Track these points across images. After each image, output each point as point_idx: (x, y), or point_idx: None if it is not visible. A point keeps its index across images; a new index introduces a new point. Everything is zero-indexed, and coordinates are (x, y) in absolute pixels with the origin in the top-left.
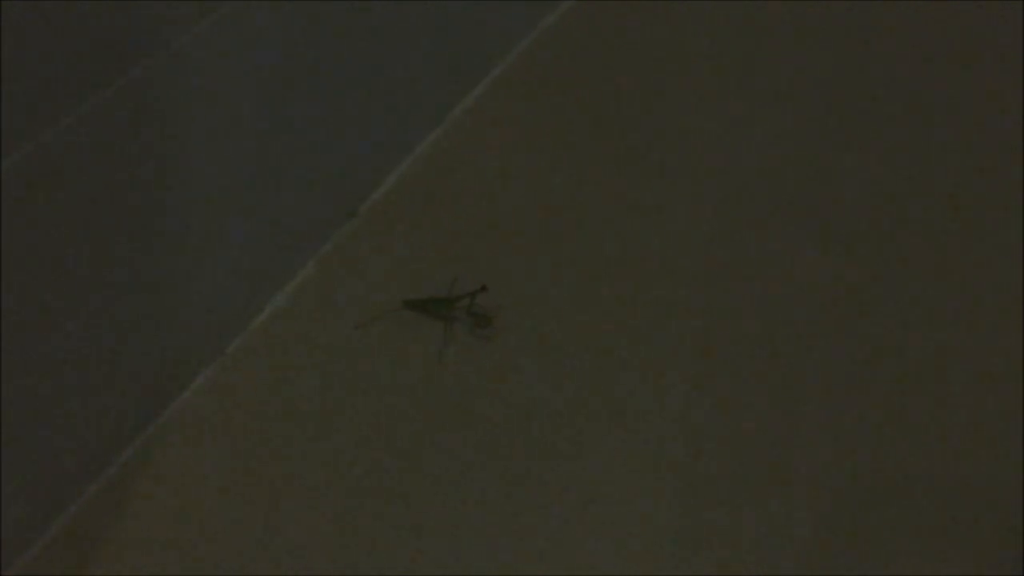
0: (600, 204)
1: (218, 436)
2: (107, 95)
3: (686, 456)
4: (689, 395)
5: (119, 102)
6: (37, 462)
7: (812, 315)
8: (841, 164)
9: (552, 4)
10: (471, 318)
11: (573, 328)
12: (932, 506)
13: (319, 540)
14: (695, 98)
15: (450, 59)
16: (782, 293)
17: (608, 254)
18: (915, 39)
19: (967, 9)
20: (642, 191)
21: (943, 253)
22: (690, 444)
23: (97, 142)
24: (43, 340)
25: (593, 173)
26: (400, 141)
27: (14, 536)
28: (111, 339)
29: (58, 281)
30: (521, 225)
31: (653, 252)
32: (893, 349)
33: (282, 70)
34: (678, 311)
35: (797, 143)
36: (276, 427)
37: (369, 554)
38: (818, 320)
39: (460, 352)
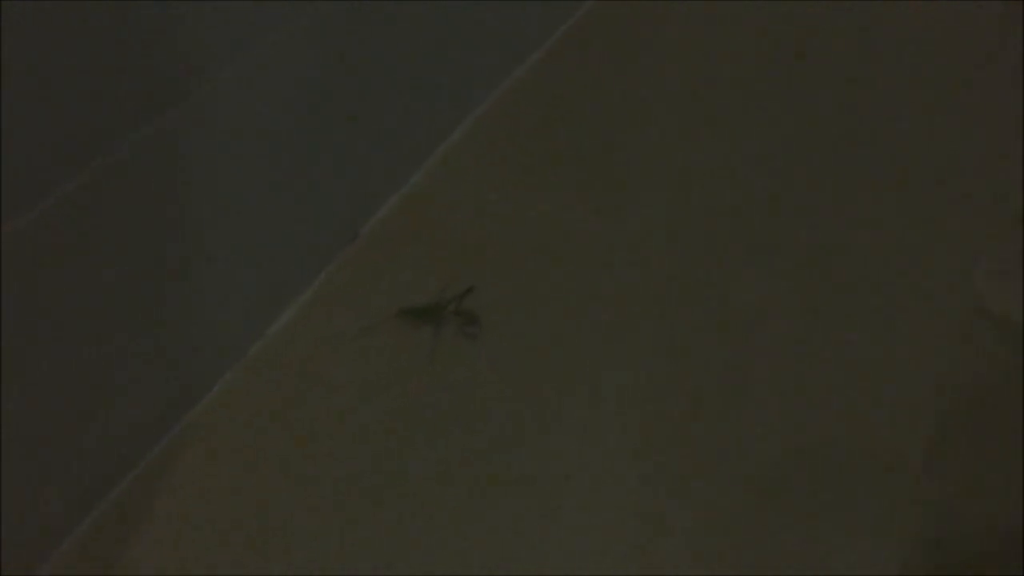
0: (577, 223)
1: (238, 432)
2: (143, 134)
3: (647, 440)
4: (650, 387)
5: (153, 142)
6: (74, 458)
7: (760, 317)
8: (795, 198)
9: (535, 45)
10: (459, 318)
11: (550, 327)
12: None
13: (328, 527)
14: (664, 134)
15: (441, 97)
16: (737, 299)
17: (584, 265)
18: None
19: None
20: (610, 210)
21: (881, 277)
22: (652, 429)
23: (136, 173)
24: (85, 344)
25: (570, 197)
26: (396, 171)
27: (55, 524)
28: (146, 345)
29: (99, 294)
30: (506, 243)
31: (624, 262)
32: (830, 345)
33: (292, 112)
34: (642, 312)
35: (753, 175)
36: (288, 423)
37: (373, 539)
38: (765, 323)
39: (450, 350)
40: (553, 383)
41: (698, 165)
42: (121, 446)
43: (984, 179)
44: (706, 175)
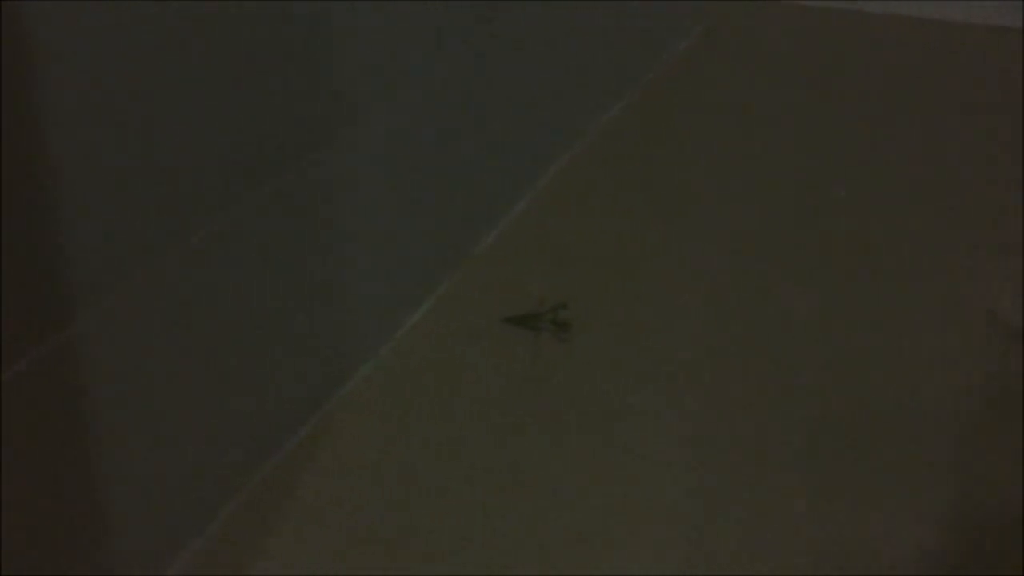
0: (655, 245)
1: (373, 418)
2: (303, 165)
3: (710, 429)
4: (714, 381)
5: (309, 172)
6: (229, 435)
7: (805, 322)
8: (830, 221)
9: (623, 96)
10: (554, 327)
11: (631, 333)
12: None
13: (452, 509)
14: (722, 173)
15: (545, 137)
16: (786, 306)
17: (660, 280)
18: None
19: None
20: (681, 233)
21: (903, 290)
22: (714, 419)
23: (296, 198)
24: (241, 338)
25: (651, 223)
26: (505, 200)
27: (208, 498)
28: (297, 342)
29: (257, 296)
30: (596, 261)
31: (692, 276)
32: (858, 351)
33: (422, 148)
34: (707, 319)
35: (801, 205)
36: (413, 410)
37: (485, 516)
38: (809, 326)
39: (545, 354)
40: (633, 381)
41: (756, 198)
42: (259, 438)
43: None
44: (762, 205)
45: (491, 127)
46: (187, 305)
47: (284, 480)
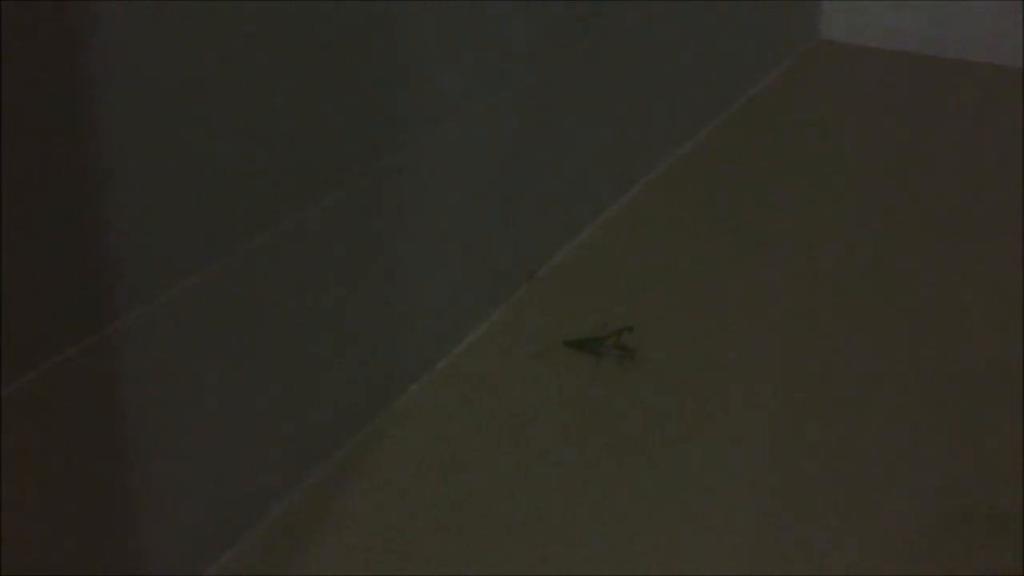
0: (722, 276)
1: (427, 432)
2: (372, 173)
3: (791, 471)
4: (792, 419)
5: (375, 182)
6: (289, 438)
7: (871, 361)
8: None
9: (697, 129)
10: (618, 351)
11: (695, 362)
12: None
13: (500, 535)
14: (800, 209)
15: (615, 165)
16: (847, 336)
17: (726, 310)
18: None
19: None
20: (749, 265)
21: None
22: (795, 462)
23: (361, 205)
24: (297, 343)
25: (719, 254)
26: (572, 225)
27: (261, 499)
28: (354, 351)
29: (315, 306)
30: (662, 289)
31: (757, 307)
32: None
33: (489, 167)
34: (770, 349)
35: (863, 239)
36: (468, 428)
37: (535, 547)
38: (870, 353)
39: (606, 379)
40: (693, 414)
41: (833, 233)
42: (301, 451)
43: None
44: (825, 237)
45: (567, 147)
46: (242, 308)
47: (324, 496)
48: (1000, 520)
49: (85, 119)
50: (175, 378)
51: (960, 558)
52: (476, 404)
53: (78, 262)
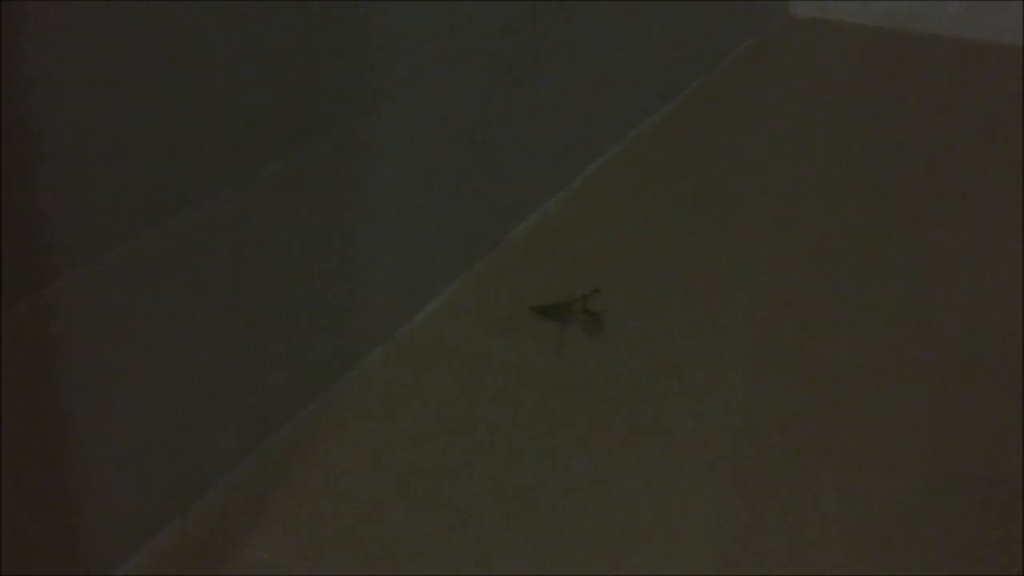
0: (692, 246)
1: (378, 404)
2: (334, 138)
3: (761, 436)
4: (749, 383)
5: (335, 147)
6: (244, 403)
7: (845, 324)
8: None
9: (666, 99)
10: (584, 316)
11: (664, 330)
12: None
13: (455, 505)
14: (763, 181)
15: (582, 135)
16: (825, 309)
17: (696, 280)
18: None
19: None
20: (720, 235)
21: (943, 292)
22: (747, 421)
23: (324, 170)
24: (249, 309)
25: (688, 224)
26: (538, 193)
27: (217, 463)
28: (310, 316)
29: (277, 274)
30: (630, 258)
31: (730, 276)
32: (895, 351)
33: (454, 135)
34: (745, 320)
35: (843, 212)
36: (427, 396)
37: (486, 493)
38: (848, 327)
39: (574, 344)
40: (662, 379)
41: (796, 204)
42: (253, 420)
43: None
44: (801, 209)
45: (534, 118)
46: (192, 272)
47: (276, 466)
48: (993, 484)
49: (19, 78)
50: (117, 343)
51: (953, 522)
52: (437, 371)
53: (14, 222)
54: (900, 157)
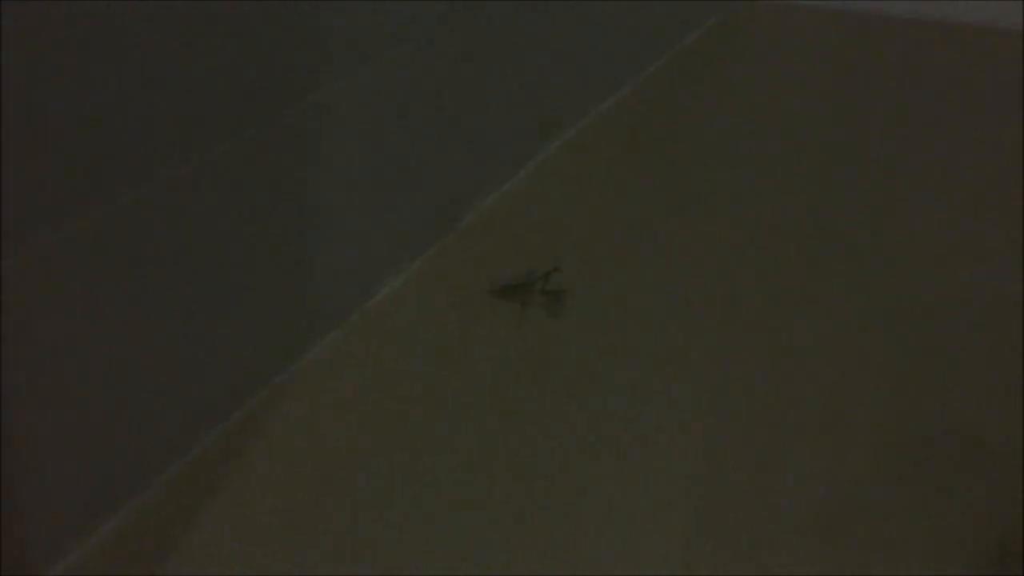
0: (650, 224)
1: (338, 383)
2: (282, 117)
3: (726, 409)
4: (705, 359)
5: (289, 124)
6: (196, 383)
7: (798, 304)
8: (832, 217)
9: (624, 82)
10: (545, 296)
11: (623, 306)
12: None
13: (422, 471)
14: (720, 162)
15: (540, 115)
16: (781, 291)
17: (654, 258)
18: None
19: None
20: (678, 214)
21: (903, 276)
22: (704, 398)
23: (274, 150)
24: (198, 292)
25: (646, 204)
26: (496, 174)
27: (171, 445)
28: (262, 298)
29: (225, 256)
30: (590, 237)
31: (687, 254)
32: (852, 332)
33: (408, 116)
34: (700, 294)
35: (791, 203)
36: (384, 380)
37: (445, 479)
38: (795, 311)
39: (535, 322)
40: (622, 358)
41: (755, 185)
42: (202, 406)
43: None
44: (761, 190)
45: (490, 98)
46: (134, 255)
47: (225, 453)
48: (975, 441)
49: None
50: (55, 327)
51: (934, 478)
52: (394, 353)
53: None
54: (861, 138)
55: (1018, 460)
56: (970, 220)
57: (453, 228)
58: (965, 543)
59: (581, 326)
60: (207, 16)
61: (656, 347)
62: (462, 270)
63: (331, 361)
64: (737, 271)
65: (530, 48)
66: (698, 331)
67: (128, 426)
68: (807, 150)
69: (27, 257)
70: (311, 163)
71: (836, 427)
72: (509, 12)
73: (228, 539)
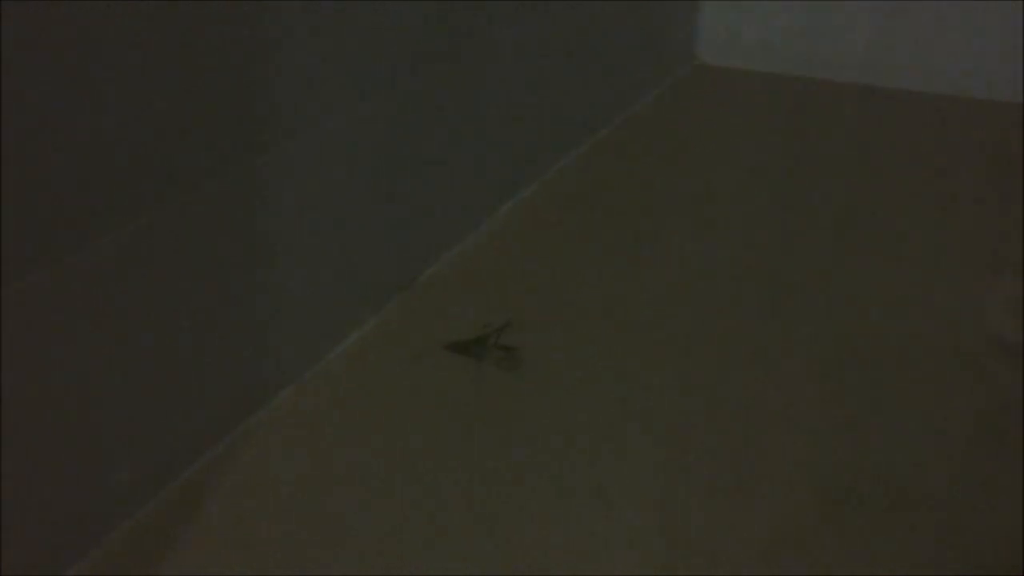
0: (609, 280)
1: (292, 440)
2: (237, 172)
3: (680, 461)
4: (673, 415)
5: (236, 183)
6: (144, 445)
7: (772, 355)
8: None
9: (582, 139)
10: (500, 351)
11: (582, 361)
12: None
13: (375, 530)
14: (677, 219)
15: (497, 173)
16: (747, 341)
17: (614, 313)
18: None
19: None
20: (638, 269)
21: (886, 324)
22: (675, 451)
23: (228, 204)
24: (150, 349)
25: (605, 259)
26: (452, 231)
27: (130, 495)
28: (217, 354)
29: (180, 307)
30: (547, 294)
31: (649, 309)
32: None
33: (362, 173)
34: (665, 351)
35: (761, 240)
36: (339, 437)
37: (402, 531)
38: (776, 359)
39: (491, 380)
40: (579, 414)
41: (708, 237)
42: (156, 461)
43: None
44: (714, 245)
45: (447, 155)
46: (90, 309)
47: (184, 503)
48: (898, 494)
49: None
50: (19, 376)
51: (857, 532)
52: (349, 410)
53: None
54: (808, 195)
55: (943, 512)
56: (919, 274)
57: (409, 286)
58: None
59: (537, 381)
60: (161, 71)
61: (612, 403)
62: (418, 327)
63: (287, 417)
64: (692, 328)
65: (487, 108)
66: (654, 387)
67: (79, 484)
68: (758, 207)
69: None
70: (264, 222)
71: (782, 477)
72: (465, 73)
73: None
